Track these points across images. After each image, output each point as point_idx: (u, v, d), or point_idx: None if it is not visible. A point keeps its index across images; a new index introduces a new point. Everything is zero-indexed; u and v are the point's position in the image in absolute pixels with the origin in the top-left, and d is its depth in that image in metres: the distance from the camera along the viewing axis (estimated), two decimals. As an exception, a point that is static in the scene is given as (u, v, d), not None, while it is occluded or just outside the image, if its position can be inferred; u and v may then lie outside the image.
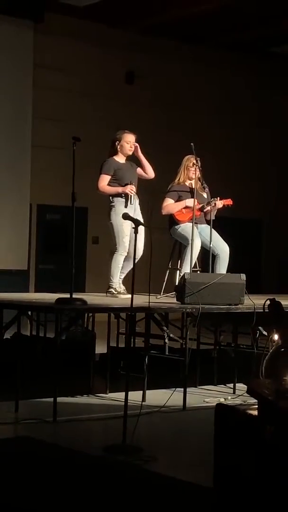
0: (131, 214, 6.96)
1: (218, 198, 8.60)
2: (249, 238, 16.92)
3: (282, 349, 3.48)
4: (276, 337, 3.57)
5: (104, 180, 8.38)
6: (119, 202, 8.34)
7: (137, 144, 8.44)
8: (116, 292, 8.29)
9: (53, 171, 13.83)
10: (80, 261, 14.46)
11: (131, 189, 8.32)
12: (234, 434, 3.24)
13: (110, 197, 8.40)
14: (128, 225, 7.98)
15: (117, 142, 8.46)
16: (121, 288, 8.38)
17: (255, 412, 3.17)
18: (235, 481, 3.21)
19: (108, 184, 8.37)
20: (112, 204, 8.37)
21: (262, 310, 5.10)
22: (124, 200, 8.34)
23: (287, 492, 2.90)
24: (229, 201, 8.65)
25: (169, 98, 15.72)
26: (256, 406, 3.17)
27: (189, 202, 8.55)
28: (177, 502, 4.33)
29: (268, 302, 3.79)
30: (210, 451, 3.55)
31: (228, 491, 3.26)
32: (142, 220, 8.00)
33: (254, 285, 9.52)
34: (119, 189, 8.33)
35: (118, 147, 8.45)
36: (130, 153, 8.47)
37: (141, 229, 7.40)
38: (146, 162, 8.53)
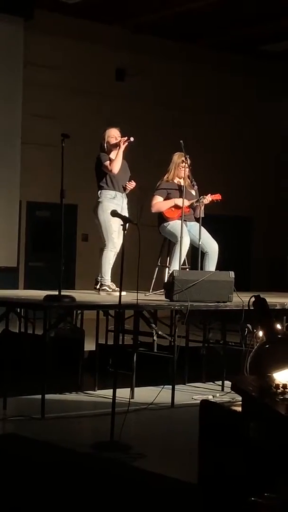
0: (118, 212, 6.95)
1: (209, 194, 8.61)
2: (239, 235, 16.94)
3: (267, 346, 3.49)
4: (260, 333, 3.59)
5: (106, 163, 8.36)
6: (106, 199, 8.34)
7: (124, 139, 8.38)
8: (110, 290, 8.29)
9: (43, 168, 13.82)
10: (70, 259, 14.47)
11: (123, 141, 8.30)
12: (219, 430, 3.25)
13: (98, 193, 8.40)
14: (115, 221, 7.96)
15: (103, 141, 8.46)
16: (114, 285, 8.37)
17: (239, 409, 3.19)
18: (219, 477, 3.22)
19: (102, 177, 8.36)
20: (99, 200, 8.36)
21: (249, 308, 5.14)
22: (111, 196, 8.33)
23: (270, 488, 2.91)
24: (217, 196, 8.66)
25: (160, 96, 15.71)
26: (241, 403, 3.18)
27: (178, 201, 8.55)
28: (164, 499, 4.33)
29: (253, 299, 3.80)
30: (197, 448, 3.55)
31: (212, 487, 3.27)
32: (128, 219, 7.99)
33: (243, 282, 9.55)
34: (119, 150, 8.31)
35: (106, 145, 8.45)
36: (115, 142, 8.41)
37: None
38: (117, 157, 8.36)
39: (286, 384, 3.20)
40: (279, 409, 2.88)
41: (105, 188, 8.37)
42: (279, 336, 3.56)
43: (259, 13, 13.94)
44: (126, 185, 8.38)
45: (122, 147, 8.31)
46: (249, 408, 3.09)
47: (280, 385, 3.18)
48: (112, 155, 8.38)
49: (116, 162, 8.29)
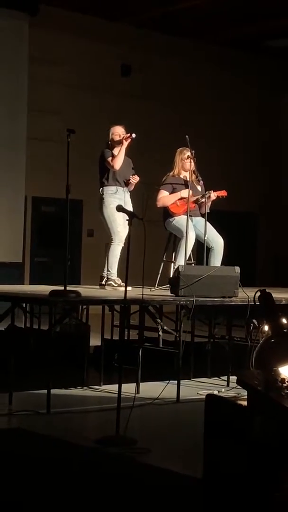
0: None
1: (213, 190, 8.62)
2: (245, 231, 16.93)
3: (272, 340, 3.49)
4: (266, 328, 3.59)
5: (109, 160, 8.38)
6: (108, 195, 8.38)
7: (126, 135, 8.40)
8: (116, 285, 8.29)
9: (48, 163, 13.82)
10: (75, 254, 14.48)
11: (126, 137, 8.31)
12: (224, 424, 3.25)
13: (100, 190, 8.43)
14: (120, 215, 7.96)
15: (108, 138, 8.50)
16: (119, 280, 8.38)
17: (244, 403, 3.19)
18: (224, 471, 3.22)
19: (104, 173, 8.36)
20: (102, 196, 8.40)
21: (255, 303, 5.13)
22: (112, 192, 8.35)
23: (274, 483, 2.92)
24: (223, 193, 8.67)
25: (165, 91, 15.71)
26: (246, 397, 3.18)
27: (184, 193, 8.55)
28: (169, 493, 4.35)
29: (258, 293, 3.80)
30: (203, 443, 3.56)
31: (216, 482, 3.28)
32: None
33: (249, 278, 9.54)
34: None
35: (111, 142, 8.48)
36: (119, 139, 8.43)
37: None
38: (119, 153, 8.40)
39: (291, 379, 3.20)
40: (284, 403, 2.88)
41: (106, 184, 8.42)
42: (285, 330, 3.56)
43: (263, 9, 13.91)
44: (129, 179, 8.41)
45: (125, 143, 8.35)
46: (254, 403, 3.09)
47: (286, 380, 3.18)
48: (115, 151, 8.42)
49: (118, 158, 8.34)
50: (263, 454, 3.00)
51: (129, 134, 8.38)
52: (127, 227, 6.39)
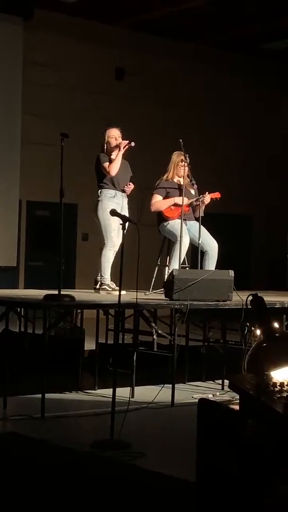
0: (118, 211, 6.97)
1: (207, 192, 8.63)
2: (239, 234, 16.94)
3: (264, 344, 3.50)
4: (258, 332, 3.60)
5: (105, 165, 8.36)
6: (106, 198, 8.35)
7: (125, 143, 8.36)
8: (110, 289, 8.29)
9: (43, 167, 13.82)
10: (70, 258, 14.48)
11: (124, 145, 8.30)
12: (217, 428, 3.25)
13: (99, 192, 8.41)
14: (115, 220, 7.96)
15: (104, 141, 8.47)
16: (113, 284, 8.38)
17: (237, 407, 3.19)
18: (217, 475, 3.23)
19: (103, 176, 8.37)
20: (99, 199, 8.37)
21: (247, 307, 5.13)
22: (111, 195, 8.34)
23: (267, 486, 2.92)
24: (217, 194, 8.68)
25: (159, 95, 15.72)
26: (239, 401, 3.19)
27: (178, 200, 8.56)
28: (163, 497, 4.35)
29: (250, 297, 3.81)
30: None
31: (209, 486, 3.28)
32: (128, 218, 8.00)
33: (243, 281, 9.54)
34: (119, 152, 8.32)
35: (106, 145, 8.45)
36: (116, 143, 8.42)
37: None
38: (116, 159, 8.36)
39: (283, 383, 3.21)
40: (276, 407, 2.89)
41: (106, 187, 8.38)
42: (277, 334, 3.57)
43: (258, 11, 13.94)
44: (125, 188, 8.39)
45: (122, 150, 8.31)
46: (246, 406, 3.10)
47: (278, 384, 3.19)
48: (113, 156, 8.38)
49: (115, 164, 8.30)
50: (256, 457, 3.01)
51: (128, 142, 8.33)
52: (121, 232, 6.38)
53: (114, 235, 8.27)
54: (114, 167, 8.29)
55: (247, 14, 14.15)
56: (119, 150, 8.31)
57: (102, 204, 8.32)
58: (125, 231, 6.26)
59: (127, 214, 8.25)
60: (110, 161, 8.32)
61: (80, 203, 13.90)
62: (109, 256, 8.35)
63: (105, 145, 8.46)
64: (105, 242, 8.34)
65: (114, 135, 8.45)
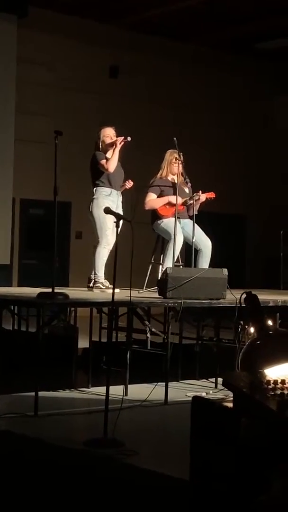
0: (113, 209, 6.96)
1: (201, 191, 8.63)
2: (234, 233, 16.96)
3: (258, 342, 3.50)
4: (252, 330, 3.60)
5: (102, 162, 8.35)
6: (101, 196, 8.35)
7: (121, 138, 8.37)
8: (104, 287, 8.29)
9: (37, 165, 13.82)
10: (64, 256, 14.48)
11: (120, 141, 8.28)
12: (210, 426, 3.25)
13: (94, 190, 8.40)
14: (110, 218, 7.95)
15: (98, 140, 8.46)
16: (107, 282, 8.37)
17: (231, 405, 3.19)
18: (210, 473, 3.23)
19: (98, 175, 8.35)
20: (94, 197, 8.37)
21: (241, 305, 5.14)
22: (106, 193, 8.33)
23: (261, 484, 2.92)
24: (211, 194, 8.68)
25: (154, 93, 15.72)
26: (232, 399, 3.19)
27: (172, 198, 8.55)
28: (157, 495, 4.35)
29: (244, 295, 3.81)
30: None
31: (203, 484, 3.28)
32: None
33: (237, 280, 9.55)
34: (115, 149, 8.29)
35: (101, 144, 8.44)
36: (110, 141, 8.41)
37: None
38: (113, 156, 8.35)
39: (277, 380, 3.21)
40: (270, 405, 2.89)
41: (101, 185, 8.38)
42: (270, 332, 3.57)
43: (254, 11, 13.95)
44: (125, 184, 8.39)
45: (119, 146, 8.30)
46: (240, 404, 3.09)
47: (271, 381, 3.19)
48: (108, 154, 8.38)
49: (112, 161, 8.30)
50: (250, 455, 3.01)
51: (123, 137, 8.33)
52: (115, 230, 6.38)
53: (109, 233, 8.26)
54: (112, 164, 8.29)
55: (242, 14, 14.16)
56: (116, 146, 8.30)
57: (98, 202, 8.31)
58: (119, 229, 6.25)
59: (121, 213, 8.26)
60: (107, 158, 8.32)
61: (74, 201, 13.90)
62: (103, 254, 8.35)
63: (100, 144, 8.45)
64: (100, 240, 8.34)
65: (109, 134, 8.45)
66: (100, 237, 8.33)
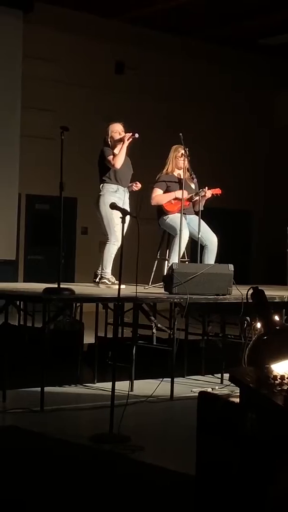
0: (119, 205, 6.95)
1: (207, 187, 8.62)
2: (239, 229, 16.95)
3: (264, 337, 3.50)
4: (258, 325, 3.60)
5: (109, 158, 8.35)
6: (108, 192, 8.33)
7: (129, 135, 8.35)
8: (110, 283, 8.29)
9: (42, 161, 13.82)
10: (69, 252, 14.48)
11: (128, 137, 8.28)
12: (217, 421, 3.25)
13: (100, 186, 8.39)
14: (117, 214, 7.92)
15: (107, 136, 8.44)
16: (113, 278, 8.37)
17: (237, 400, 3.19)
18: (216, 469, 3.23)
19: (105, 171, 8.35)
20: (101, 193, 8.36)
21: (248, 300, 5.13)
22: (113, 190, 8.32)
23: (267, 479, 2.92)
24: (217, 190, 8.67)
25: (159, 89, 15.71)
26: (239, 394, 3.19)
27: (179, 194, 8.54)
28: (162, 490, 4.35)
29: (251, 290, 3.81)
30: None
31: (209, 480, 3.28)
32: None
33: (243, 276, 9.55)
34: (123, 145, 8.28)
35: (110, 140, 8.42)
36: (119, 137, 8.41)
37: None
38: (120, 152, 8.33)
39: (283, 375, 3.20)
40: (276, 400, 2.89)
41: (108, 181, 8.36)
42: (277, 327, 3.57)
43: (256, 7, 13.92)
44: (132, 186, 8.37)
45: (126, 142, 8.29)
46: (246, 399, 3.09)
47: (278, 377, 3.18)
48: (116, 150, 8.36)
49: (119, 157, 8.28)
50: (256, 450, 3.01)
51: (131, 134, 8.31)
52: (121, 226, 6.37)
53: (117, 229, 8.24)
54: (119, 160, 8.28)
55: (244, 10, 14.13)
56: (123, 143, 8.28)
57: (104, 198, 8.29)
58: (125, 224, 6.24)
59: (128, 209, 8.25)
60: (114, 154, 8.31)
61: (79, 197, 13.89)
62: (112, 250, 8.33)
63: (109, 140, 8.42)
64: (109, 237, 8.31)
65: (117, 129, 8.43)
66: (109, 233, 8.31)
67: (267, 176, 17.15)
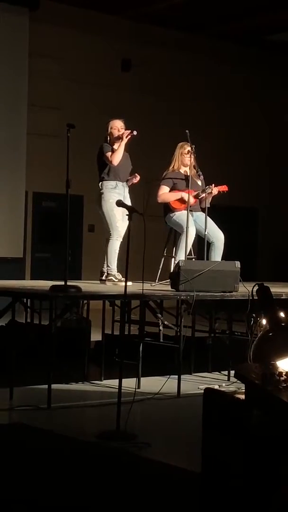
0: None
1: (213, 184, 8.61)
2: (245, 226, 16.94)
3: (270, 334, 3.50)
4: (264, 322, 3.60)
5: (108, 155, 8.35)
6: (107, 189, 8.35)
7: (126, 132, 8.35)
8: (116, 280, 8.29)
9: (49, 158, 13.82)
10: (76, 249, 14.49)
11: (126, 134, 8.27)
12: (222, 418, 3.26)
13: (100, 184, 8.41)
14: (118, 209, 7.95)
15: (107, 132, 8.46)
16: (120, 275, 8.37)
17: (242, 397, 3.20)
18: (222, 466, 3.23)
19: (103, 168, 8.35)
20: (101, 191, 8.37)
21: (253, 297, 5.13)
22: (112, 186, 8.33)
23: (271, 477, 2.93)
24: (224, 188, 8.67)
25: (165, 86, 15.69)
26: (244, 391, 3.19)
27: (185, 195, 8.52)
28: (169, 487, 4.36)
29: (256, 287, 3.81)
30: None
31: (215, 476, 3.29)
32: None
33: (249, 273, 9.54)
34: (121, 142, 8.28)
35: (109, 136, 8.44)
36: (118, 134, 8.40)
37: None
38: (118, 149, 8.33)
39: (289, 372, 3.21)
40: (282, 397, 2.89)
41: (106, 179, 8.38)
42: (283, 324, 3.57)
43: (263, 3, 13.89)
44: (131, 179, 8.37)
45: (125, 139, 8.30)
46: (252, 396, 3.10)
47: (283, 373, 3.18)
48: (115, 146, 8.37)
49: (117, 154, 8.29)
50: (261, 447, 3.01)
51: (129, 131, 8.32)
52: (126, 222, 6.39)
53: (119, 224, 8.27)
54: (117, 157, 8.29)
55: (251, 6, 14.10)
56: (121, 140, 8.29)
57: (104, 195, 8.33)
58: (131, 221, 6.24)
59: (129, 203, 8.26)
60: (113, 151, 8.32)
61: (86, 195, 13.88)
62: (115, 246, 8.35)
63: (108, 136, 8.44)
64: (111, 232, 8.34)
65: (117, 126, 8.43)
66: (111, 229, 8.33)
67: (273, 173, 17.12)
